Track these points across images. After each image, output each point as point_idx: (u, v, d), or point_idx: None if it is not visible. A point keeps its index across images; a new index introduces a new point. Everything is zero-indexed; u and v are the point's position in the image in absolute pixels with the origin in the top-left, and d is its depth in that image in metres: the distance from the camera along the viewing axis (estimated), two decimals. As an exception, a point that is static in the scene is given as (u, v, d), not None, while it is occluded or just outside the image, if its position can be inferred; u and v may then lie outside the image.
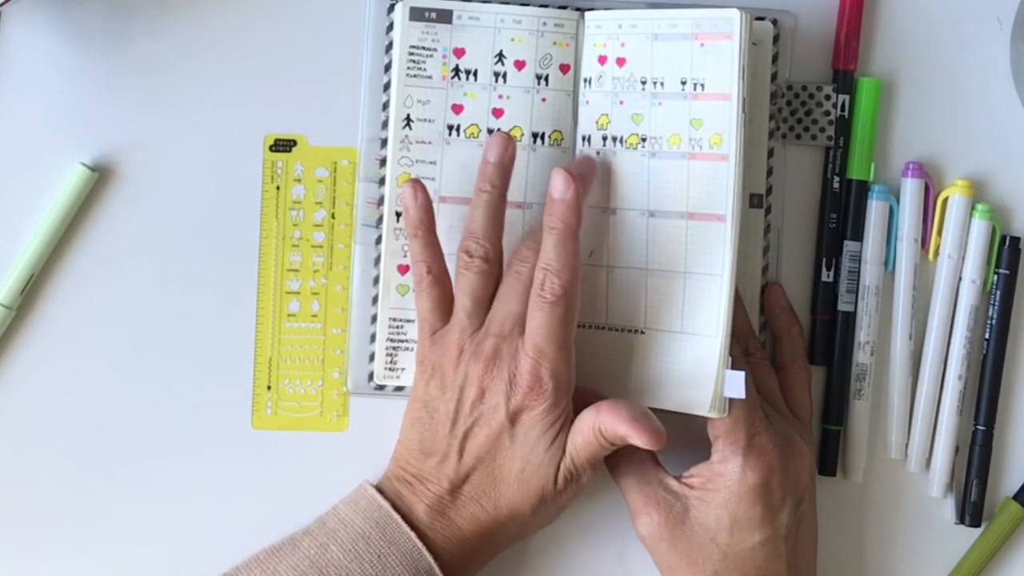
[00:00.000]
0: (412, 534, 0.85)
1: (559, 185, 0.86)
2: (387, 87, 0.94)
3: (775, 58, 0.95)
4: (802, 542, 0.90)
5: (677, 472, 0.90)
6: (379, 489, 0.88)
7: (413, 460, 0.88)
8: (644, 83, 0.91)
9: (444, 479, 0.86)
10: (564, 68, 0.93)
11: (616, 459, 0.90)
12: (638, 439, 0.83)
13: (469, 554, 0.87)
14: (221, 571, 0.87)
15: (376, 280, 0.94)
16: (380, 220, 0.94)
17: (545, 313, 0.85)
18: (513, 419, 0.85)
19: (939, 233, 0.96)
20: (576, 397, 0.87)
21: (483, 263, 0.88)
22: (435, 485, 0.87)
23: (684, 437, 0.93)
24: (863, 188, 0.96)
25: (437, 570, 0.85)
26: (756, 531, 0.88)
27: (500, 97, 0.93)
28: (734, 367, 0.87)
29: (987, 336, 0.96)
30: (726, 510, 0.88)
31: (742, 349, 0.92)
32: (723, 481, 0.88)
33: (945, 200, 0.96)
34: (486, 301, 0.88)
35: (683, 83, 0.90)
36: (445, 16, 0.93)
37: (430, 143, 0.93)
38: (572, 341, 0.86)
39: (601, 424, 0.85)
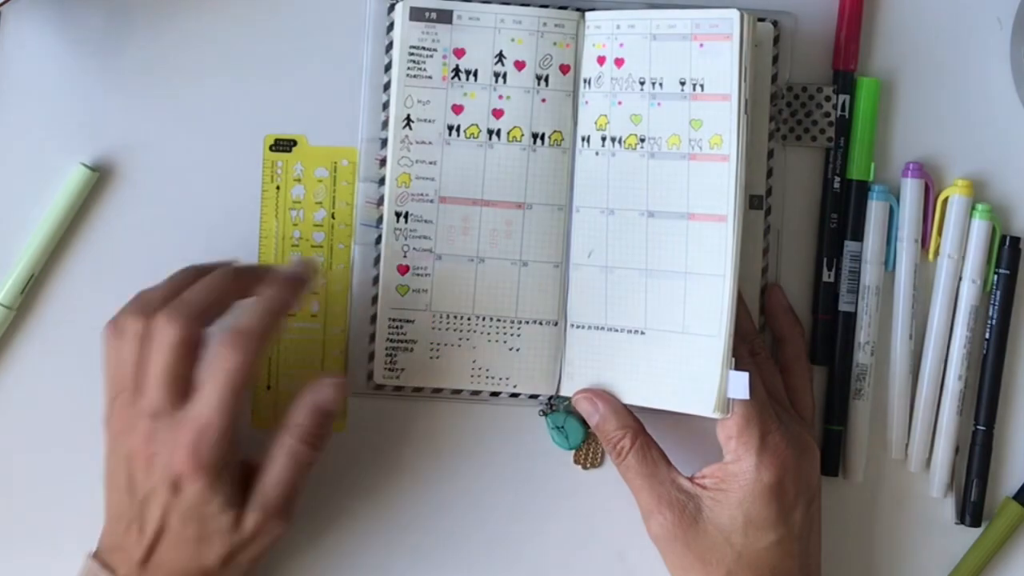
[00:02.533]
0: None
1: (297, 269, 0.87)
2: (387, 87, 0.94)
3: (775, 59, 0.95)
4: (812, 542, 0.90)
5: (688, 473, 0.90)
6: (98, 556, 0.87)
7: (112, 526, 0.87)
8: (643, 83, 0.91)
9: (133, 551, 0.85)
10: (564, 68, 0.93)
11: (628, 460, 0.90)
12: (316, 396, 0.85)
13: None
14: None
15: (376, 280, 0.94)
16: (380, 220, 0.94)
17: (215, 379, 0.83)
18: (175, 488, 0.83)
19: (939, 233, 0.96)
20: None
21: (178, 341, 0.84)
22: (128, 556, 0.85)
23: (692, 437, 0.93)
24: (863, 188, 0.96)
25: None
26: (771, 531, 0.88)
27: (500, 97, 0.93)
28: (740, 367, 0.87)
29: (987, 336, 0.96)
30: (740, 510, 0.88)
31: (748, 349, 0.92)
32: (737, 481, 0.88)
33: (945, 200, 0.96)
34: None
35: (682, 84, 0.90)
36: (445, 16, 0.93)
37: (430, 143, 0.93)
38: (238, 406, 0.83)
39: (287, 437, 0.85)
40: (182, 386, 0.83)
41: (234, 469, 0.85)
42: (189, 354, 0.84)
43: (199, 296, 0.85)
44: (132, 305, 0.86)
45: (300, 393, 0.86)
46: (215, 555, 0.84)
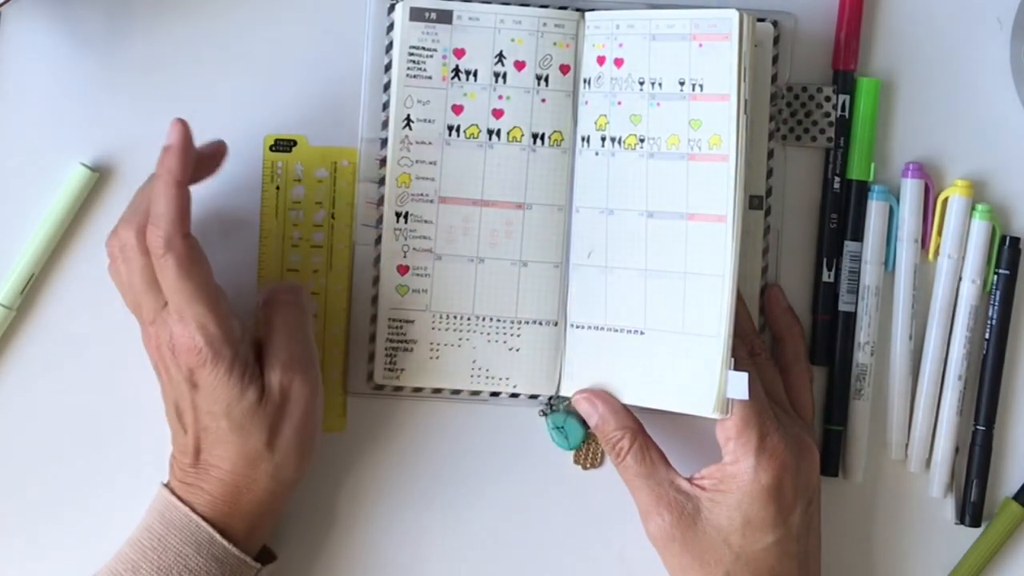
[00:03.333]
0: (186, 509, 0.86)
1: (170, 133, 0.85)
2: (387, 87, 0.94)
3: (775, 59, 0.95)
4: (811, 542, 0.90)
5: (687, 474, 0.90)
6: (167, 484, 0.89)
7: (172, 438, 0.89)
8: (642, 84, 0.91)
9: (183, 454, 0.87)
10: (564, 68, 0.93)
11: (627, 460, 0.90)
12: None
13: (234, 517, 0.87)
14: None
15: (376, 280, 0.94)
16: (380, 220, 0.94)
17: (163, 273, 0.84)
18: (193, 384, 0.85)
19: (939, 233, 0.96)
20: None
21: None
22: (180, 460, 0.87)
23: (691, 438, 0.93)
24: (863, 188, 0.96)
25: (218, 537, 0.85)
26: (769, 532, 0.88)
27: (500, 97, 0.93)
28: (740, 368, 0.87)
29: (987, 336, 0.96)
30: (739, 511, 0.88)
31: (747, 350, 0.92)
32: (735, 482, 0.88)
33: (945, 200, 0.96)
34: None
35: (681, 84, 0.90)
36: (445, 16, 0.93)
37: (430, 143, 0.93)
38: (205, 286, 0.85)
39: (275, 294, 0.88)
40: (154, 294, 0.86)
41: (243, 347, 0.86)
42: (143, 270, 0.86)
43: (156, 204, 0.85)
44: (113, 233, 0.88)
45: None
46: (257, 437, 0.85)
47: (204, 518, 0.85)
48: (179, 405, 0.86)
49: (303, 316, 0.89)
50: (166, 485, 0.88)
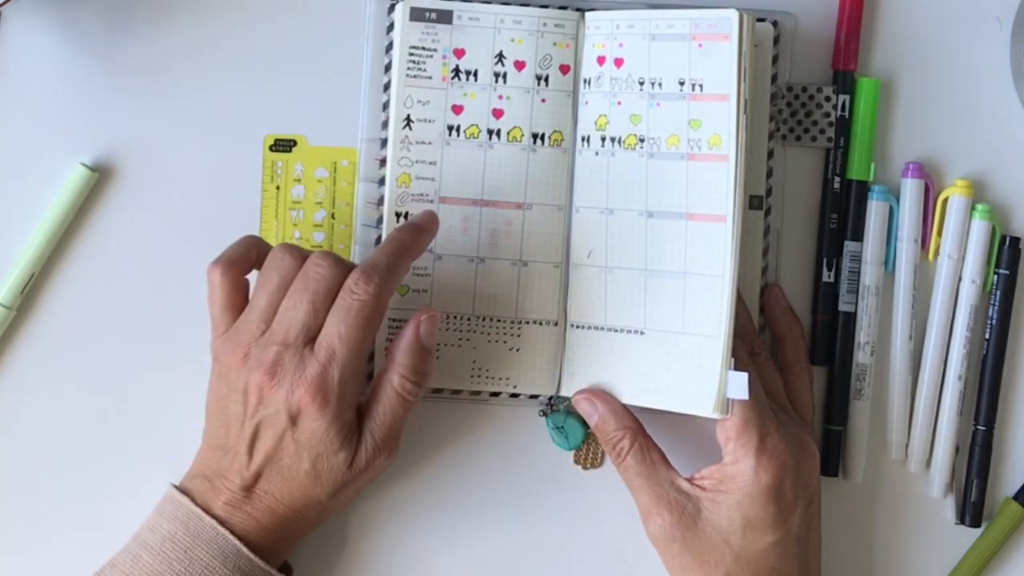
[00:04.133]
0: (213, 522, 0.85)
1: (429, 220, 0.89)
2: (387, 87, 0.94)
3: (775, 59, 0.95)
4: (812, 543, 0.90)
5: (687, 474, 0.90)
6: (182, 489, 0.87)
7: (211, 454, 0.88)
8: (642, 84, 0.91)
9: (237, 476, 0.86)
10: (564, 69, 0.93)
11: (627, 461, 0.90)
12: (418, 329, 0.87)
13: (272, 540, 0.87)
14: None
15: (376, 280, 0.94)
16: (380, 220, 0.94)
17: (346, 313, 0.85)
18: (293, 419, 0.84)
19: (939, 233, 0.96)
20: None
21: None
22: (230, 482, 0.86)
23: (692, 438, 0.93)
24: (863, 188, 0.96)
25: (245, 550, 0.85)
26: (769, 532, 0.88)
27: (500, 98, 0.93)
28: (740, 368, 0.87)
29: (987, 336, 0.96)
30: (739, 511, 0.88)
31: (747, 350, 0.92)
32: (735, 482, 0.88)
33: (945, 200, 0.96)
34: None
35: (681, 84, 0.90)
36: (445, 16, 0.93)
37: (430, 143, 0.93)
38: (368, 344, 0.86)
39: (392, 375, 0.87)
40: (315, 323, 0.85)
41: (353, 408, 0.86)
42: (328, 296, 0.85)
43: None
44: (293, 246, 0.88)
45: (399, 332, 0.88)
46: (325, 490, 0.86)
47: (241, 537, 0.85)
48: (261, 431, 0.85)
49: (409, 407, 0.88)
50: (184, 492, 0.87)
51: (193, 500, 0.86)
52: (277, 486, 0.86)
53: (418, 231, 0.88)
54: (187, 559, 0.85)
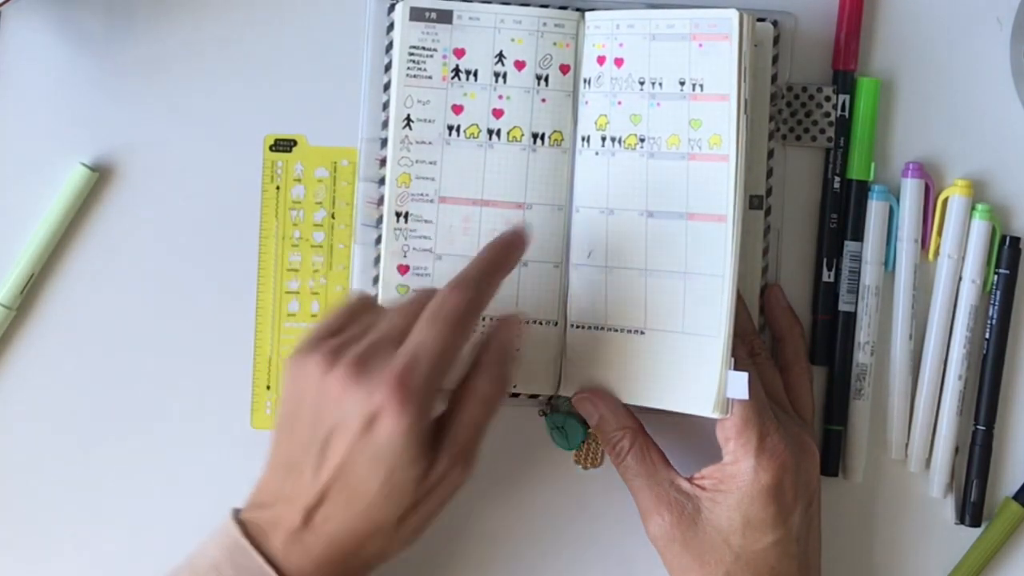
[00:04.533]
0: (260, 560, 0.80)
1: (510, 234, 0.86)
2: (387, 87, 0.94)
3: (775, 59, 0.95)
4: (812, 542, 0.90)
5: (687, 474, 0.90)
6: (242, 518, 0.82)
7: (272, 477, 0.82)
8: (642, 83, 0.91)
9: (299, 500, 0.80)
10: (564, 68, 0.93)
11: (627, 460, 0.90)
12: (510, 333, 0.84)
13: (320, 572, 0.81)
14: None
15: (376, 280, 0.94)
16: (380, 220, 0.94)
17: (437, 316, 0.81)
18: (368, 425, 0.78)
19: (939, 233, 0.96)
20: None
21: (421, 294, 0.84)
22: (292, 508, 0.80)
23: (692, 438, 0.93)
24: (863, 188, 0.96)
25: None
26: (769, 532, 0.88)
27: (500, 97, 0.93)
28: (740, 368, 0.87)
29: (987, 336, 0.96)
30: (739, 511, 0.88)
31: (747, 350, 0.92)
32: (735, 482, 0.88)
33: (945, 200, 0.96)
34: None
35: (681, 84, 0.90)
36: (445, 16, 0.93)
37: (430, 143, 0.93)
38: (457, 351, 0.81)
39: (479, 380, 0.82)
40: (402, 328, 0.81)
41: (431, 418, 0.80)
42: (418, 308, 0.82)
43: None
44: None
45: (486, 337, 0.84)
46: (394, 510, 0.80)
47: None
48: (333, 439, 0.79)
49: (492, 414, 0.83)
50: (240, 521, 0.82)
51: (246, 530, 0.81)
52: (341, 510, 0.80)
53: (508, 247, 0.86)
54: None
